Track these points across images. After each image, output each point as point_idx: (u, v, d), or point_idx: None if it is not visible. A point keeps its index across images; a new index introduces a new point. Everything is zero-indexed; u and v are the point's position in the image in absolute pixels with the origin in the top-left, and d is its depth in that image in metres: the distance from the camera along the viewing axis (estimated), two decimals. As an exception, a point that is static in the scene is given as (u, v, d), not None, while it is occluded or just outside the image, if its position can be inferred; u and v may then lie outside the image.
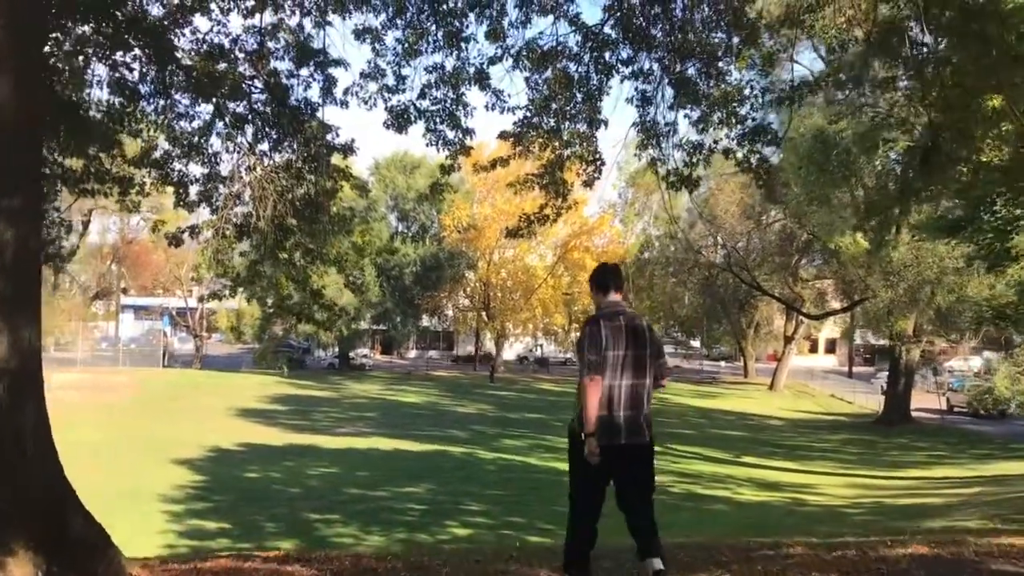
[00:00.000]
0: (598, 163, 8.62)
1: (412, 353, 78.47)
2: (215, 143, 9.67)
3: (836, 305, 56.81)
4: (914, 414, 40.17)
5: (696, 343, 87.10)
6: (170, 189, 9.78)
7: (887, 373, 58.13)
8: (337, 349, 64.58)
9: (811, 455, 30.47)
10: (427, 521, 19.33)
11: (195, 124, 9.61)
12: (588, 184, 8.82)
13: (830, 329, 76.85)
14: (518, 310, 63.72)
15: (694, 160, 8.28)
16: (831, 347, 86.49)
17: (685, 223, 58.99)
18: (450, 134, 8.63)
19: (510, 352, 74.78)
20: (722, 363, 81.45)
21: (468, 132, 8.74)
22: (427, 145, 8.54)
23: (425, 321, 70.51)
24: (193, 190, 9.67)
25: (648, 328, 5.16)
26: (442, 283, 63.41)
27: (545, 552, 7.03)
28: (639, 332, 5.05)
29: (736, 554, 6.75)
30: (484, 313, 65.61)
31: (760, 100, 8.32)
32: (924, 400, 43.47)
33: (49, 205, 9.23)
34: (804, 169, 23.12)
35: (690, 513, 20.91)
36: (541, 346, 76.04)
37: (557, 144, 8.53)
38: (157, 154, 9.56)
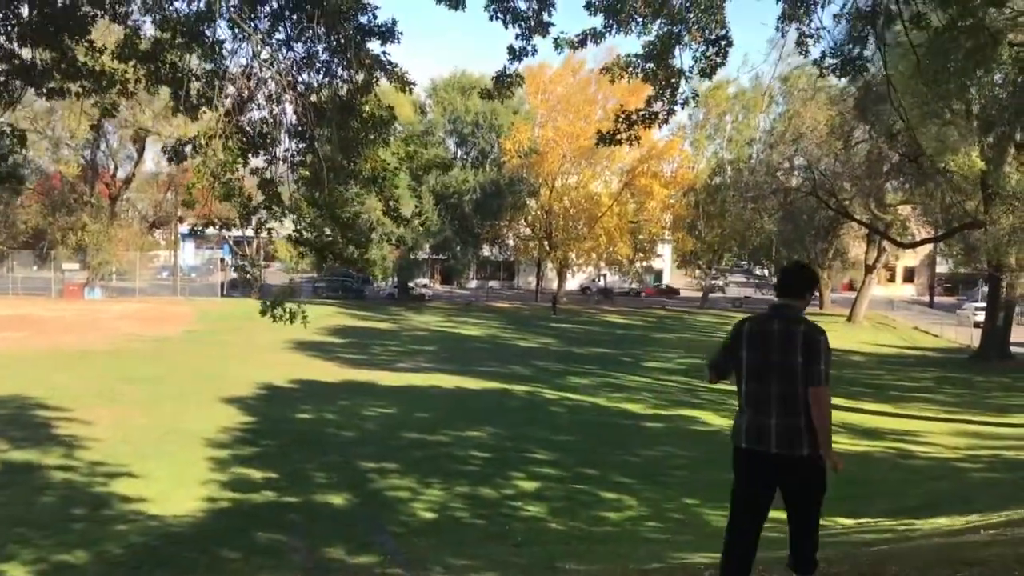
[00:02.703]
0: (723, 43, 6.27)
1: (472, 283, 76.94)
2: (221, 29, 7.58)
3: (919, 232, 53.35)
4: (1012, 349, 37.18)
5: (763, 271, 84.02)
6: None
7: (976, 304, 55.04)
8: (396, 279, 63.21)
9: (905, 396, 28.03)
10: (491, 472, 17.61)
11: (195, 6, 7.52)
12: (708, 73, 6.50)
13: (909, 258, 73.14)
14: (581, 239, 61.42)
15: (863, 32, 5.91)
16: (909, 276, 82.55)
17: (764, 144, 55.64)
18: (522, 4, 6.34)
19: (572, 282, 72.74)
20: (795, 293, 78.12)
21: (547, 3, 6.45)
22: (491, 19, 6.29)
23: (485, 251, 68.55)
24: (194, 89, 7.61)
25: (806, 335, 4.73)
26: (503, 211, 61.21)
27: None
28: (791, 338, 4.70)
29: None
30: (546, 242, 63.44)
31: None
32: (1014, 334, 40.28)
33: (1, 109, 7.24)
34: (915, 79, 20.09)
35: (781, 464, 18.90)
36: (605, 276, 73.80)
37: (667, 15, 6.17)
38: (146, 44, 7.49)
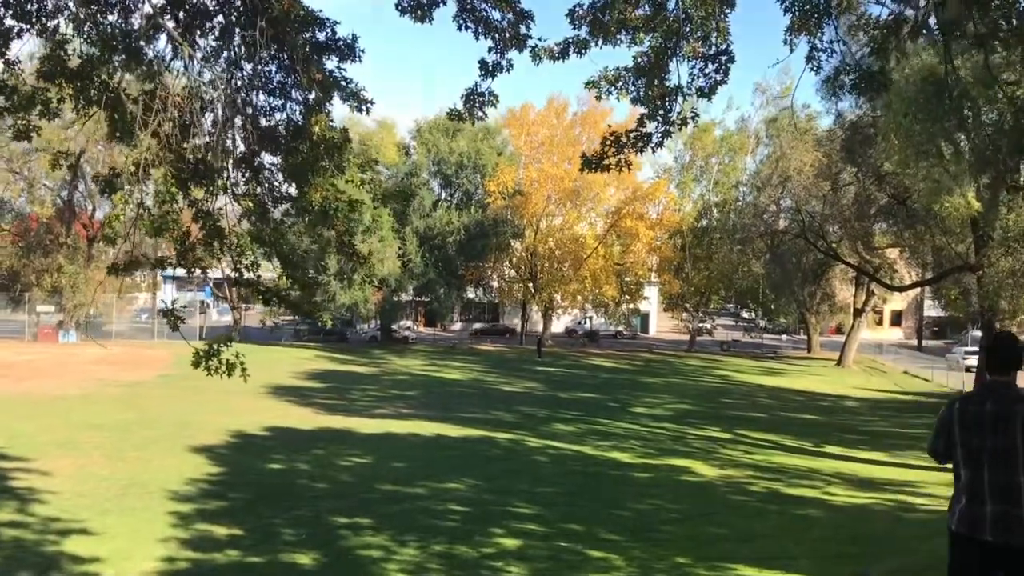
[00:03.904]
0: (724, 59, 5.50)
1: (457, 325, 76.00)
2: (162, 46, 6.80)
3: (908, 275, 52.95)
4: (1006, 395, 36.42)
5: (747, 314, 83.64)
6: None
7: (966, 348, 54.49)
8: (379, 322, 62.18)
9: (900, 443, 27.15)
10: (470, 528, 16.55)
11: (133, 20, 6.73)
12: (707, 93, 5.72)
13: (896, 301, 72.83)
14: (566, 281, 60.72)
15: (887, 44, 5.15)
16: (897, 319, 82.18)
17: (751, 187, 55.33)
18: (496, 15, 5.56)
19: (558, 325, 71.91)
20: (783, 336, 77.75)
21: (524, 16, 5.67)
22: (460, 29, 5.48)
23: (470, 293, 67.71)
24: (131, 112, 6.77)
25: None
26: (487, 253, 60.56)
27: None
28: (1008, 420, 4.35)
29: None
30: (531, 284, 62.74)
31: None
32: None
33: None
34: (910, 117, 19.56)
35: (777, 519, 17.89)
36: (591, 318, 73.00)
37: (660, 21, 5.39)
38: (75, 61, 6.68)
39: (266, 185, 6.13)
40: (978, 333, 57.43)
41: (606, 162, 6.46)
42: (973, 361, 44.23)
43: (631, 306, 67.15)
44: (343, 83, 6.06)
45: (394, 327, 63.77)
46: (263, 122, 6.59)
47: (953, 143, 20.30)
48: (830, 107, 40.32)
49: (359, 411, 31.11)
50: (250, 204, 6.11)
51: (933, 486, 20.61)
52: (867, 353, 60.15)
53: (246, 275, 6.20)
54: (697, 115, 6.11)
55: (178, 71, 6.65)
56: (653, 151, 6.26)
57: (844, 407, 36.82)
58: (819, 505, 18.91)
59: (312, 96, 6.03)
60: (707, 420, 31.44)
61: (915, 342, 72.27)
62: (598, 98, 6.33)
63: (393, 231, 56.68)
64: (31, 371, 39.28)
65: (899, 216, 39.73)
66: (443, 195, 62.20)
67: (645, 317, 79.99)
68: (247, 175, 6.28)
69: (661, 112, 5.76)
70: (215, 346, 6.45)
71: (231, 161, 6.47)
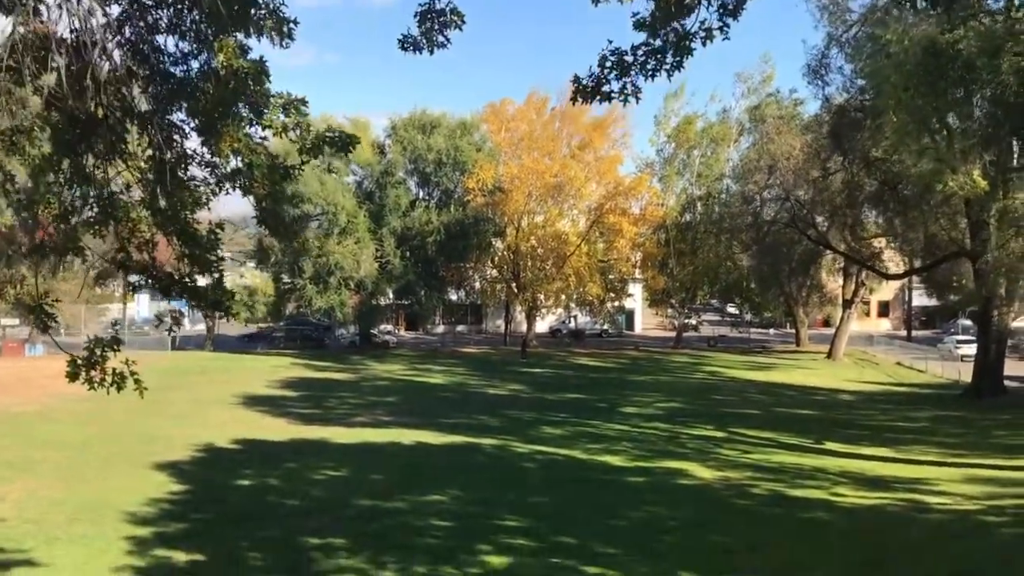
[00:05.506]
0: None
1: (439, 328, 74.52)
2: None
3: (898, 264, 52.05)
4: (1005, 383, 35.42)
5: (732, 308, 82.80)
6: None
7: (958, 337, 53.61)
8: (357, 327, 60.46)
9: (903, 438, 26.04)
10: (454, 544, 15.20)
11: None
12: (732, 10, 4.37)
13: (884, 292, 71.97)
14: (550, 280, 59.33)
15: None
16: (884, 310, 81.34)
17: (738, 174, 54.06)
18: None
19: (542, 325, 70.56)
20: (770, 331, 76.69)
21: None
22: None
23: (452, 295, 66.09)
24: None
25: None
26: (468, 252, 58.92)
27: None
28: None
29: None
30: (514, 284, 61.34)
31: None
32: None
33: None
34: (911, 91, 18.35)
35: (784, 524, 16.63)
36: (575, 317, 71.68)
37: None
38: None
39: (171, 145, 4.76)
40: (968, 322, 56.68)
41: (605, 88, 5.04)
42: (968, 350, 43.24)
43: (616, 304, 65.85)
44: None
45: (374, 331, 62.16)
46: (173, 70, 5.19)
47: (946, 126, 19.11)
48: (817, 92, 39.32)
49: (336, 420, 29.64)
50: (141, 164, 4.76)
51: (946, 483, 19.44)
52: (857, 345, 59.14)
53: (136, 257, 4.86)
54: (727, 25, 4.71)
55: (63, 9, 5.24)
56: (669, 76, 4.85)
57: (840, 401, 35.69)
58: (828, 507, 17.66)
59: (214, 29, 4.65)
60: (700, 418, 30.20)
61: (903, 332, 71.38)
62: (594, 2, 4.90)
63: (370, 232, 55.15)
64: (-7, 387, 37.59)
65: (889, 203, 38.65)
66: (421, 194, 60.55)
67: (630, 314, 78.69)
68: (148, 133, 4.90)
69: (676, 22, 4.37)
70: (97, 352, 5.06)
71: (131, 120, 5.07)
